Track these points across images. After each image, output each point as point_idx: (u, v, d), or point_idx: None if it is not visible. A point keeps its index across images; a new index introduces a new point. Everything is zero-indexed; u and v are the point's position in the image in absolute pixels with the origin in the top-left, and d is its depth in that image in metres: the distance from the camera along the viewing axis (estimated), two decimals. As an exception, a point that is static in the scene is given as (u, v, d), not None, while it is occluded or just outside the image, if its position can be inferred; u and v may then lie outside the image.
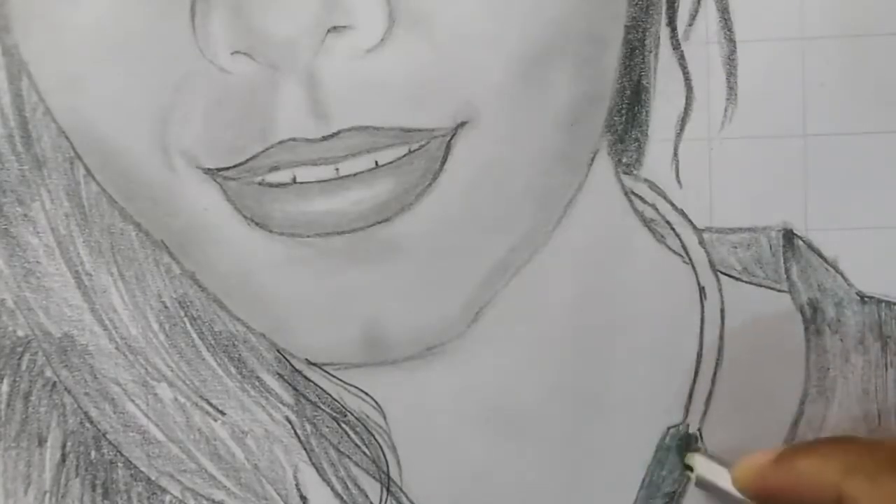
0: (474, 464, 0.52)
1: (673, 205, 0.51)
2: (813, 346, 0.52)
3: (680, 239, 0.51)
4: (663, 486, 0.52)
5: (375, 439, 0.52)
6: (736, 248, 0.51)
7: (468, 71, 0.47)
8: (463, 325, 0.50)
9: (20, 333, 0.52)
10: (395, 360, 0.51)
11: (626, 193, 0.51)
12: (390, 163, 0.47)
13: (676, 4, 0.50)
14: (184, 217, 0.49)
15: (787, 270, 0.51)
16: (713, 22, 0.50)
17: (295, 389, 0.52)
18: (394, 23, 0.46)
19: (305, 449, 0.52)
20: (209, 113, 0.47)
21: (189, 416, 0.52)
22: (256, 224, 0.48)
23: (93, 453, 0.52)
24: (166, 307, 0.52)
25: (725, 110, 0.50)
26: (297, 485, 0.52)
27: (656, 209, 0.51)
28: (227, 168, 0.48)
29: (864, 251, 0.51)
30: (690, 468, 0.51)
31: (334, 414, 0.52)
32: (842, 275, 0.51)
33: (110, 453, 0.52)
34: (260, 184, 0.48)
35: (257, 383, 0.52)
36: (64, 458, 0.52)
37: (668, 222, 0.51)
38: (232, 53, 0.46)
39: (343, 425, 0.52)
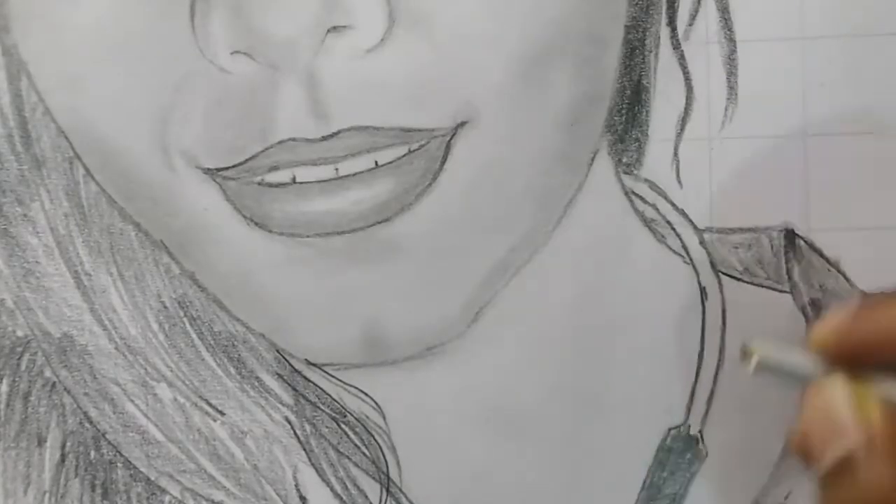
0: (474, 464, 0.52)
1: (673, 205, 0.51)
2: (814, 346, 0.51)
3: (681, 239, 0.51)
4: (665, 487, 0.52)
5: (375, 440, 0.52)
6: (737, 248, 0.51)
7: (468, 71, 0.47)
8: (463, 325, 0.50)
9: (20, 333, 0.52)
10: (395, 361, 0.51)
11: (626, 193, 0.51)
12: (390, 163, 0.47)
13: (676, 4, 0.50)
14: (183, 217, 0.49)
15: (788, 271, 0.51)
16: (713, 22, 0.50)
17: (294, 390, 0.52)
18: (394, 23, 0.46)
19: (305, 449, 0.52)
20: (209, 113, 0.47)
21: (188, 416, 0.52)
22: (256, 224, 0.48)
23: (92, 453, 0.52)
24: (166, 307, 0.52)
25: (726, 110, 0.50)
26: (296, 485, 0.52)
27: (657, 209, 0.51)
28: (227, 168, 0.48)
29: (865, 251, 0.51)
30: (748, 355, 0.45)
31: (334, 414, 0.52)
32: (843, 275, 0.51)
33: (110, 453, 0.52)
34: (260, 184, 0.48)
35: (257, 383, 0.52)
36: (63, 458, 0.52)
37: (668, 222, 0.51)
38: (232, 53, 0.46)
39: (343, 426, 0.52)
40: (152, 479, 0.52)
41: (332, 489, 0.52)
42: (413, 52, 0.46)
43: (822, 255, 0.51)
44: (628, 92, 0.50)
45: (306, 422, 0.52)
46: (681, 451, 0.52)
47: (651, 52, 0.50)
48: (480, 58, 0.47)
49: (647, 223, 0.51)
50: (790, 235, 0.51)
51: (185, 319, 0.52)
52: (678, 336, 0.52)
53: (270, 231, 0.48)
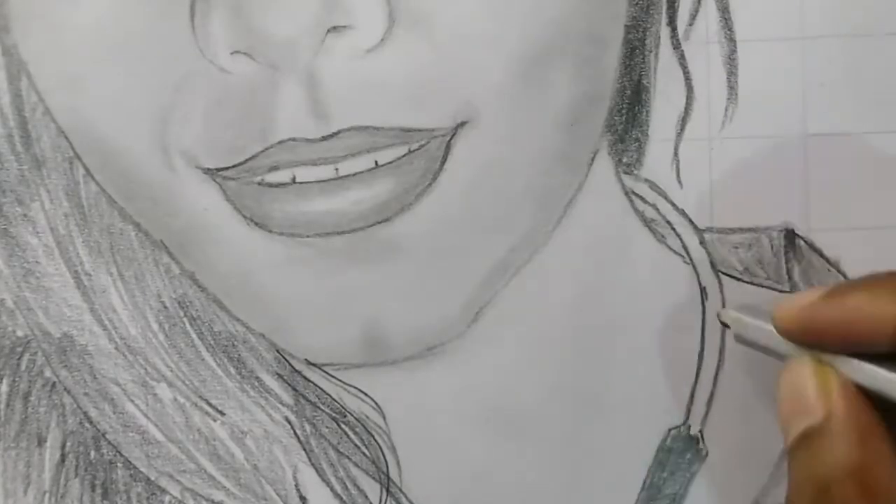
0: (474, 464, 0.52)
1: (673, 205, 0.51)
2: (815, 346, 0.51)
3: (681, 239, 0.51)
4: (665, 487, 0.52)
5: (375, 440, 0.52)
6: (737, 248, 0.51)
7: (468, 71, 0.47)
8: (463, 325, 0.50)
9: (20, 333, 0.52)
10: (395, 361, 0.51)
11: (626, 193, 0.51)
12: (390, 163, 0.47)
13: (677, 4, 0.50)
14: (183, 217, 0.49)
15: (788, 271, 0.51)
16: (713, 22, 0.50)
17: (294, 390, 0.52)
18: (394, 23, 0.46)
19: (305, 449, 0.52)
20: (209, 113, 0.47)
21: (188, 416, 0.52)
22: (256, 224, 0.48)
23: (92, 453, 0.52)
24: (166, 307, 0.52)
25: (726, 110, 0.50)
26: (296, 485, 0.52)
27: (657, 209, 0.51)
28: (227, 168, 0.48)
29: (865, 251, 0.51)
30: (726, 325, 0.49)
31: (334, 414, 0.52)
32: (843, 275, 0.51)
33: (110, 453, 0.52)
34: (259, 184, 0.48)
35: (257, 384, 0.52)
36: (63, 458, 0.52)
37: (668, 222, 0.51)
38: (232, 53, 0.46)
39: (343, 426, 0.52)
40: (152, 479, 0.52)
41: (332, 489, 0.52)
42: (413, 52, 0.46)
43: (822, 255, 0.51)
44: (628, 92, 0.50)
45: (306, 422, 0.52)
46: (681, 451, 0.52)
47: (651, 52, 0.50)
48: (480, 58, 0.47)
49: (647, 223, 0.51)
50: (790, 235, 0.51)
51: (185, 319, 0.52)
52: (678, 336, 0.52)
53: (270, 231, 0.48)
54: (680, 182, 0.51)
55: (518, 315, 0.51)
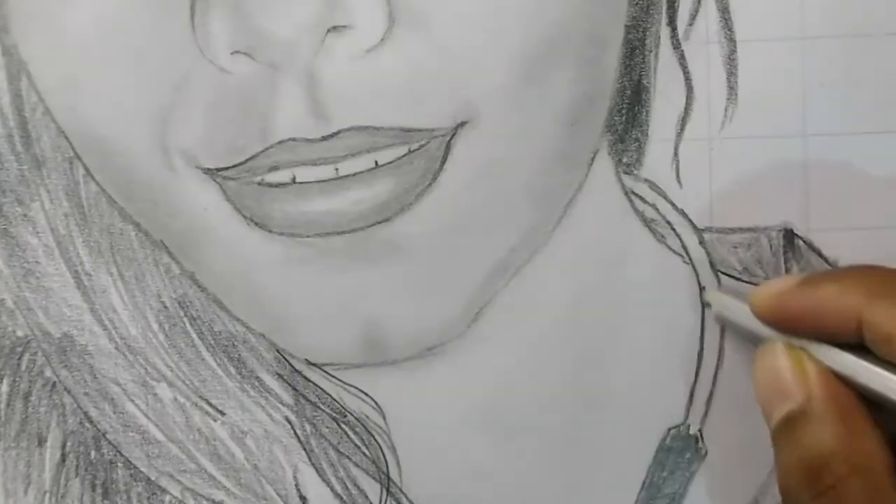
0: (474, 464, 0.52)
1: (673, 205, 0.51)
2: (814, 345, 0.52)
3: (680, 239, 0.51)
4: (664, 486, 0.52)
5: (375, 440, 0.52)
6: (736, 248, 0.51)
7: (468, 71, 0.47)
8: (463, 326, 0.50)
9: (20, 333, 0.52)
10: (395, 361, 0.51)
11: (626, 193, 0.51)
12: (390, 163, 0.47)
13: (677, 4, 0.50)
14: (183, 217, 0.49)
15: (787, 271, 0.51)
16: (713, 22, 0.50)
17: (294, 390, 0.52)
18: (394, 23, 0.46)
19: (305, 449, 0.52)
20: (209, 113, 0.47)
21: (189, 416, 0.52)
22: (256, 224, 0.48)
23: (92, 453, 0.52)
24: (166, 307, 0.52)
25: (725, 110, 0.50)
26: (296, 485, 0.52)
27: (656, 209, 0.51)
28: (227, 168, 0.48)
29: (864, 251, 0.51)
30: (709, 304, 0.50)
31: (334, 414, 0.52)
32: (842, 275, 0.51)
33: (110, 453, 0.52)
34: (259, 184, 0.48)
35: (257, 383, 0.52)
36: (64, 458, 0.52)
37: (668, 222, 0.51)
38: (232, 53, 0.46)
39: (343, 426, 0.52)
40: (152, 478, 0.52)
41: (332, 489, 0.52)
42: (413, 52, 0.46)
43: (820, 254, 0.51)
44: (628, 92, 0.50)
45: (306, 422, 0.52)
46: (680, 450, 0.52)
47: (651, 52, 0.50)
48: (480, 58, 0.47)
49: (647, 223, 0.51)
50: (789, 235, 0.51)
51: (185, 319, 0.52)
52: (677, 336, 0.52)
53: (270, 231, 0.48)
54: (680, 182, 0.51)
55: (518, 315, 0.51)
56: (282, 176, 0.47)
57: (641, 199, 0.51)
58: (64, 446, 0.52)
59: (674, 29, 0.50)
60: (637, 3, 0.50)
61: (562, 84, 0.48)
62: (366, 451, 0.52)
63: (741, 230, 0.51)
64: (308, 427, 0.52)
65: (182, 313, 0.52)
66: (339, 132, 0.47)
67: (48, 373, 0.52)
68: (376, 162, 0.47)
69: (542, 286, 0.51)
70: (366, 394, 0.52)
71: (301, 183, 0.47)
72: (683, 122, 0.50)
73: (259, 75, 0.46)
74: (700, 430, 0.52)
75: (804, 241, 0.51)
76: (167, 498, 0.52)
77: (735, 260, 0.51)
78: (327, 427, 0.52)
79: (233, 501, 0.52)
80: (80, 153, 0.50)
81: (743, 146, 0.50)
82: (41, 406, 0.52)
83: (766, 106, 0.50)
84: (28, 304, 0.52)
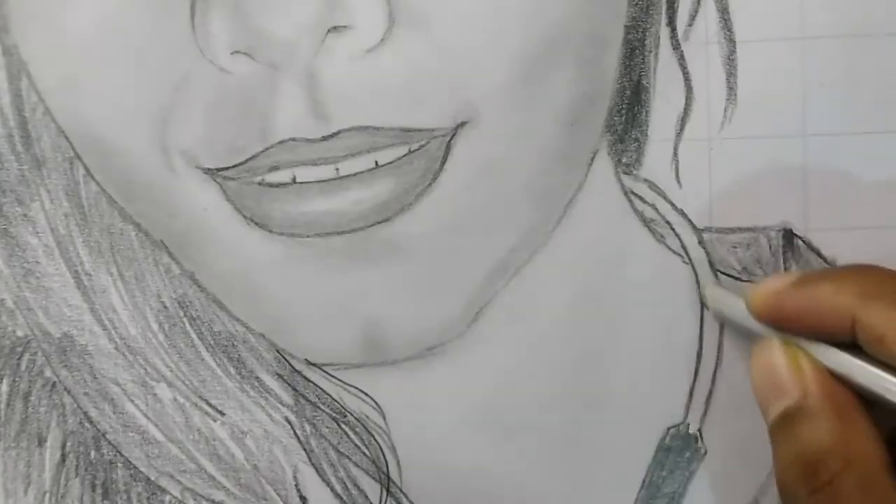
0: (474, 464, 0.52)
1: (673, 205, 0.51)
2: (813, 345, 0.52)
3: (680, 239, 0.51)
4: (664, 486, 0.52)
5: (375, 440, 0.52)
6: (735, 248, 0.51)
7: (468, 71, 0.47)
8: (463, 326, 0.50)
9: (20, 333, 0.52)
10: (395, 361, 0.51)
11: (625, 193, 0.51)
12: (390, 163, 0.47)
13: (676, 4, 0.50)
14: (184, 217, 0.49)
15: (786, 270, 0.51)
16: (713, 22, 0.50)
17: (294, 390, 0.52)
18: (394, 23, 0.46)
19: (305, 449, 0.52)
20: (209, 113, 0.47)
21: (188, 416, 0.52)
22: (256, 224, 0.48)
23: (92, 453, 0.52)
24: (166, 307, 0.52)
25: (725, 110, 0.50)
26: (296, 485, 0.52)
27: (656, 209, 0.51)
28: (227, 168, 0.48)
29: (863, 251, 0.51)
30: (706, 300, 0.51)
31: (334, 414, 0.52)
32: (841, 275, 0.51)
33: (110, 453, 0.52)
34: (260, 184, 0.48)
35: (257, 384, 0.52)
36: (64, 458, 0.52)
37: (667, 222, 0.51)
38: (232, 53, 0.46)
39: (343, 426, 0.52)
40: (152, 479, 0.52)
41: (332, 489, 0.52)
42: (413, 52, 0.46)
43: (819, 254, 0.51)
44: (628, 92, 0.50)
45: (306, 422, 0.52)
46: (680, 449, 0.52)
47: (651, 52, 0.50)
48: (480, 58, 0.47)
49: (647, 223, 0.51)
50: (788, 235, 0.51)
51: (185, 319, 0.52)
52: (677, 335, 0.52)
53: (270, 231, 0.48)
54: (679, 182, 0.51)
55: (518, 315, 0.51)
56: (282, 176, 0.47)
57: (641, 199, 0.51)
58: (64, 446, 0.52)
59: (673, 29, 0.50)
60: (637, 4, 0.50)
61: (562, 84, 0.48)
62: (366, 451, 0.52)
63: (740, 230, 0.51)
64: (308, 427, 0.52)
65: (182, 313, 0.52)
66: (339, 132, 0.47)
67: (48, 373, 0.52)
68: (376, 162, 0.47)
69: (542, 286, 0.51)
70: (366, 394, 0.52)
71: (301, 183, 0.47)
72: (683, 122, 0.50)
73: (259, 75, 0.46)
74: (699, 430, 0.52)
75: (803, 241, 0.51)
76: (167, 498, 0.52)
77: (734, 260, 0.51)
78: (327, 427, 0.52)
79: (233, 501, 0.52)
80: (80, 153, 0.50)
81: (742, 146, 0.50)
82: (41, 406, 0.52)
83: (765, 106, 0.50)
84: (28, 304, 0.52)
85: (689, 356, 0.52)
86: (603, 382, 0.52)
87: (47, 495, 0.52)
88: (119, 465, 0.52)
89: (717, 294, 0.50)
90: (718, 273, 0.51)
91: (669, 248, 0.51)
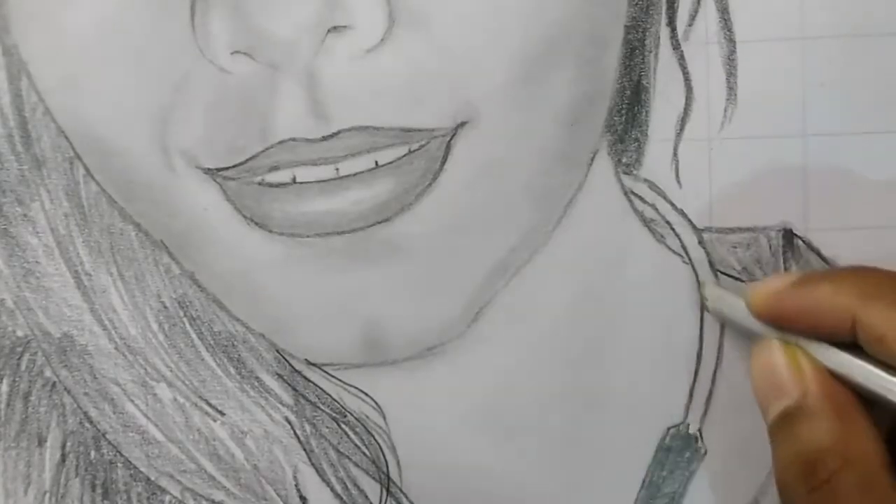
0: (474, 463, 0.52)
1: (673, 205, 0.51)
2: (813, 345, 0.52)
3: (680, 239, 0.51)
4: (664, 486, 0.52)
5: (375, 440, 0.52)
6: (735, 248, 0.51)
7: (468, 71, 0.47)
8: (463, 326, 0.50)
9: (20, 333, 0.52)
10: (395, 361, 0.51)
11: (625, 193, 0.51)
12: (390, 163, 0.47)
13: (676, 4, 0.50)
14: (184, 217, 0.49)
15: (786, 270, 0.51)
16: (713, 22, 0.50)
17: (294, 390, 0.52)
18: (394, 23, 0.46)
19: (305, 449, 0.52)
20: (209, 113, 0.47)
21: (188, 416, 0.52)
22: (256, 224, 0.48)
23: (92, 453, 0.52)
24: (166, 307, 0.52)
25: (725, 110, 0.50)
26: (296, 485, 0.52)
27: (656, 209, 0.51)
28: (227, 168, 0.48)
29: (863, 251, 0.51)
30: (706, 299, 0.51)
31: (334, 414, 0.52)
32: (840, 275, 0.51)
33: (110, 453, 0.52)
34: (260, 184, 0.48)
35: (257, 384, 0.52)
36: (64, 458, 0.52)
37: (667, 222, 0.51)
38: (232, 53, 0.46)
39: (343, 426, 0.52)
40: (152, 479, 0.52)
41: (332, 489, 0.52)
42: (413, 52, 0.46)
43: (819, 254, 0.51)
44: (628, 92, 0.50)
45: (306, 422, 0.52)
46: (680, 449, 0.52)
47: (651, 52, 0.50)
48: (480, 58, 0.47)
49: (647, 223, 0.51)
50: (788, 235, 0.51)
51: (185, 319, 0.52)
52: (677, 335, 0.52)
53: (270, 231, 0.48)
54: (679, 182, 0.51)
55: (518, 315, 0.51)
56: (282, 176, 0.47)
57: (641, 199, 0.51)
58: (64, 446, 0.52)
59: (673, 29, 0.50)
60: (637, 4, 0.50)
61: (562, 84, 0.48)
62: (366, 451, 0.52)
63: (740, 230, 0.51)
64: (308, 427, 0.52)
65: (182, 313, 0.52)
66: (339, 132, 0.47)
67: (48, 373, 0.52)
68: (376, 162, 0.47)
69: (542, 286, 0.51)
70: (366, 394, 0.52)
71: (301, 183, 0.47)
72: (683, 122, 0.50)
73: (259, 75, 0.46)
74: (699, 430, 0.52)
75: (803, 241, 0.51)
76: (167, 498, 0.52)
77: (734, 260, 0.51)
78: (327, 427, 0.52)
79: (233, 501, 0.52)
80: (80, 153, 0.50)
81: (742, 146, 0.50)
82: (41, 406, 0.52)
83: (765, 106, 0.50)
84: (28, 304, 0.52)
85: (689, 356, 0.52)
86: (603, 382, 0.52)
87: (47, 495, 0.52)
88: (119, 465, 0.52)
89: (717, 293, 0.50)
90: (718, 273, 0.51)
91: (669, 248, 0.51)
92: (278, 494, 0.52)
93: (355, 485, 0.52)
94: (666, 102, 0.50)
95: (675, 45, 0.50)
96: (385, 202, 0.48)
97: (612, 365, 0.52)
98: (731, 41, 0.50)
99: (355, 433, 0.52)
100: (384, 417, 0.52)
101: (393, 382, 0.51)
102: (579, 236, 0.51)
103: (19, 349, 0.52)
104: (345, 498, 0.52)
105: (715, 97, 0.50)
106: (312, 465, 0.52)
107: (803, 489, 0.44)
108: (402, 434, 0.52)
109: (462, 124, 0.47)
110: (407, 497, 0.52)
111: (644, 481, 0.52)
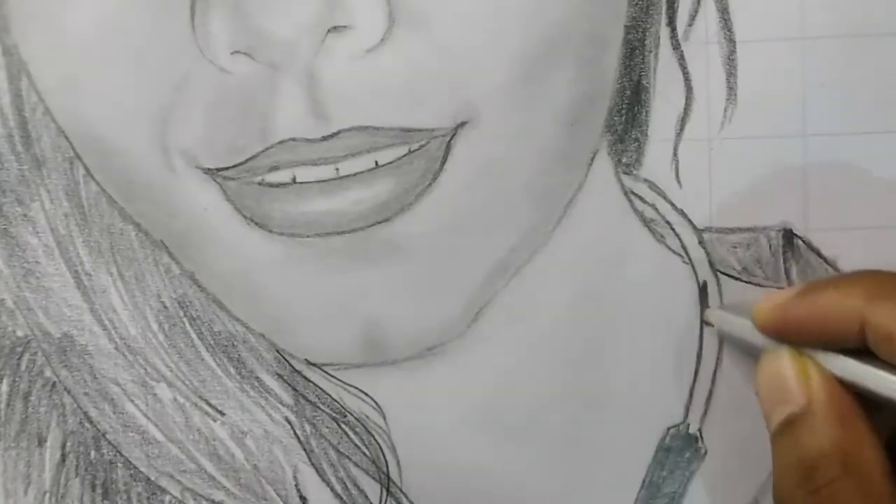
0: (474, 463, 0.52)
1: (673, 205, 0.51)
2: (813, 345, 0.52)
3: (680, 239, 0.51)
4: (664, 486, 0.52)
5: (375, 440, 0.52)
6: (735, 247, 0.51)
7: (468, 71, 0.47)
8: (463, 326, 0.50)
9: (20, 333, 0.52)
10: (395, 361, 0.51)
11: (625, 193, 0.51)
12: (390, 163, 0.47)
13: (676, 4, 0.50)
14: (184, 217, 0.49)
15: (786, 270, 0.51)
16: (713, 22, 0.50)
17: (294, 390, 0.52)
18: (394, 23, 0.46)
19: (305, 449, 0.52)
20: (209, 113, 0.47)
21: (188, 416, 0.52)
22: (256, 224, 0.48)
23: (92, 453, 0.52)
24: (166, 307, 0.52)
25: (725, 110, 0.50)
26: (296, 485, 0.52)
27: (656, 209, 0.51)
28: (227, 168, 0.48)
29: (863, 251, 0.51)
30: (710, 323, 0.51)
31: (334, 414, 0.52)
32: (840, 275, 0.51)
33: (110, 453, 0.52)
34: (260, 184, 0.48)
35: (257, 384, 0.52)
36: (64, 458, 0.52)
37: (667, 222, 0.51)
38: (232, 53, 0.46)
39: (343, 426, 0.52)
40: (152, 479, 0.52)
41: (332, 489, 0.52)
42: (413, 52, 0.46)
43: (819, 254, 0.51)
44: (628, 92, 0.50)
45: (306, 422, 0.52)
46: (680, 449, 0.52)
47: (651, 52, 0.50)
48: (480, 58, 0.47)
49: (647, 223, 0.51)
50: (788, 235, 0.51)
51: (185, 319, 0.52)
52: (677, 335, 0.52)
53: (270, 231, 0.48)
54: (679, 182, 0.51)
55: (518, 315, 0.51)
56: (282, 176, 0.47)
57: (641, 199, 0.51)
58: (64, 446, 0.52)
59: (673, 29, 0.50)
60: (637, 4, 0.50)
61: (562, 84, 0.48)
62: (366, 451, 0.52)
63: (740, 230, 0.51)
64: (308, 427, 0.52)
65: (182, 313, 0.52)
66: (339, 132, 0.47)
67: (48, 373, 0.52)
68: (376, 162, 0.47)
69: (542, 286, 0.51)
70: (366, 394, 0.52)
71: (301, 183, 0.47)
72: (683, 122, 0.50)
73: (259, 75, 0.46)
74: (699, 430, 0.52)
75: (803, 241, 0.51)
76: (167, 498, 0.52)
77: (734, 260, 0.51)
78: (327, 427, 0.52)
79: (233, 501, 0.52)
80: (80, 153, 0.50)
81: (742, 146, 0.50)
82: (41, 406, 0.52)
83: (765, 106, 0.50)
84: (28, 304, 0.52)
85: (689, 356, 0.52)
86: (603, 382, 0.52)
87: (47, 495, 0.52)
88: (119, 465, 0.52)
89: (721, 315, 0.50)
90: (718, 272, 0.51)
91: (669, 248, 0.51)
92: (278, 494, 0.52)
93: (355, 485, 0.52)
94: (666, 102, 0.50)
95: (675, 45, 0.50)
96: (385, 202, 0.48)
97: (612, 365, 0.52)
98: (731, 41, 0.50)
99: (355, 433, 0.52)
100: (384, 417, 0.52)
101: (393, 382, 0.51)
102: (579, 236, 0.51)
103: (19, 349, 0.52)
104: (345, 498, 0.52)
105: (715, 97, 0.50)
106: (312, 465, 0.52)
107: (801, 493, 0.44)
108: (402, 434, 0.52)
109: (462, 124, 0.47)
110: (407, 497, 0.52)
111: (644, 481, 0.52)
